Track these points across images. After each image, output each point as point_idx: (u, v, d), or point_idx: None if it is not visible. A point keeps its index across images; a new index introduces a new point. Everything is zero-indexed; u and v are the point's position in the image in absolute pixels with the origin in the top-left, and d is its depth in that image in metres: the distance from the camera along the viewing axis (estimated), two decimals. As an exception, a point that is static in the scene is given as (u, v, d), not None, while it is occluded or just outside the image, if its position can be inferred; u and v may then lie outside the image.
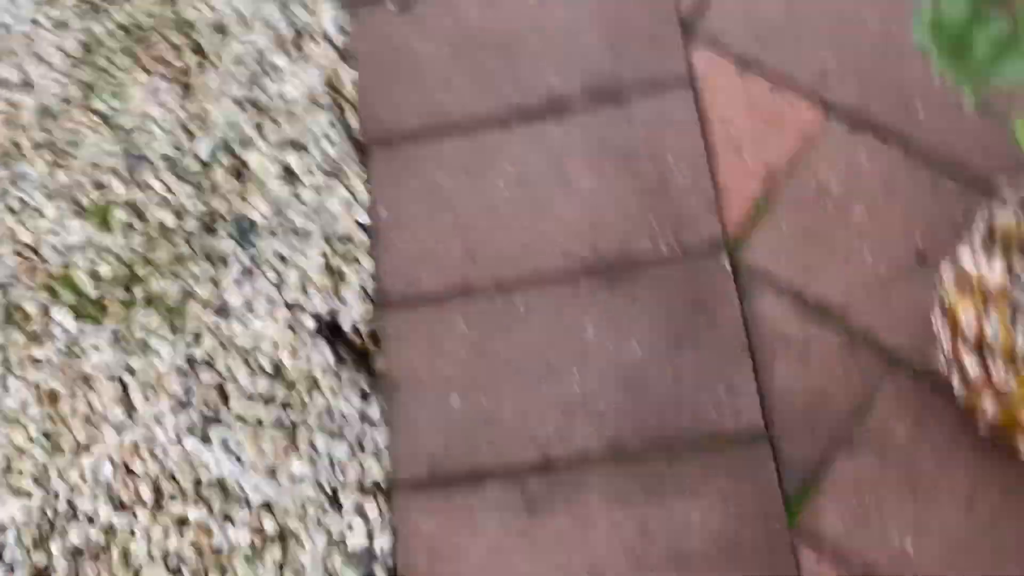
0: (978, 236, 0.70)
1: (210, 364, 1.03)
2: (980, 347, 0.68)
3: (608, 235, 0.95)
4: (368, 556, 0.94)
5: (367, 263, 1.01)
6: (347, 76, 1.08)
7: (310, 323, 1.01)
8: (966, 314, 0.69)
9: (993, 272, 0.65)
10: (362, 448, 0.97)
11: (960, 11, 0.59)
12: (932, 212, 0.89)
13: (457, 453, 0.92)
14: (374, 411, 0.97)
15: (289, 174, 1.08)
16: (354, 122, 1.07)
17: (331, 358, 0.99)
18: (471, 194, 0.99)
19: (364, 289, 1.01)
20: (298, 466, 0.96)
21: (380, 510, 0.95)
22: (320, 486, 0.96)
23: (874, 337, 0.87)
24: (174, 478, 0.98)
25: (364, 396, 0.99)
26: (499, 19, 1.05)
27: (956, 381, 0.76)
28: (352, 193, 1.05)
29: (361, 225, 1.03)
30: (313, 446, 0.97)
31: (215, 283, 1.06)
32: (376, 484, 0.96)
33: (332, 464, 0.97)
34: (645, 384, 0.90)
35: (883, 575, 0.81)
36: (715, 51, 0.99)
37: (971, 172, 0.89)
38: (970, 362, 0.71)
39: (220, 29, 1.17)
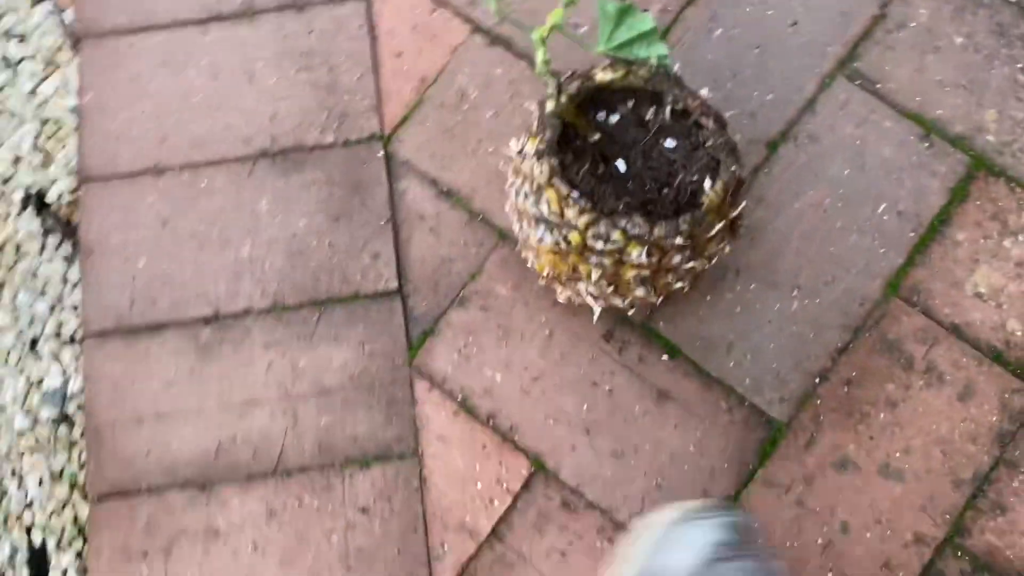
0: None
1: (-73, 231, 1.13)
2: (519, 214, 0.88)
3: (285, 126, 1.11)
4: (62, 395, 1.08)
5: (73, 143, 1.13)
6: (63, -27, 1.18)
7: (19, 195, 1.12)
8: (511, 187, 0.89)
9: (516, 149, 0.85)
10: (62, 305, 1.11)
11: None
12: (547, 117, 1.09)
13: (140, 308, 1.07)
14: (74, 274, 1.11)
15: (7, 63, 1.17)
16: (70, 17, 1.17)
17: (37, 226, 1.12)
18: (168, 85, 1.13)
19: (69, 166, 1.13)
20: (0, 318, 1.09)
21: (74, 357, 1.09)
22: (20, 336, 1.09)
23: (489, 217, 1.07)
24: None
25: (67, 260, 1.12)
26: (201, -70, 1.17)
27: (518, 243, 0.96)
28: (65, 81, 1.16)
29: (70, 109, 1.14)
30: (15, 302, 1.10)
31: (-66, 158, 1.15)
32: (72, 335, 1.10)
33: (32, 318, 1.10)
34: (305, 253, 1.07)
35: (477, 400, 1.01)
36: (386, -28, 1.15)
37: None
38: (516, 225, 0.91)
39: (-53, -79, 1.23)
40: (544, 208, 0.80)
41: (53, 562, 1.04)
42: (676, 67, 0.85)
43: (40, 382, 1.09)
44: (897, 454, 0.96)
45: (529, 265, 0.93)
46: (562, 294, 0.94)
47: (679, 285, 0.91)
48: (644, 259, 0.80)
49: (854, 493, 0.96)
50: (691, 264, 0.83)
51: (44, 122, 1.15)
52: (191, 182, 1.10)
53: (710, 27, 1.10)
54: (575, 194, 0.78)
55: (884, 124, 1.05)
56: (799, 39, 1.08)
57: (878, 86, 1.06)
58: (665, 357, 1.01)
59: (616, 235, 0.78)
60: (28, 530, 1.06)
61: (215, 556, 1.00)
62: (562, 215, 0.79)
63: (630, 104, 0.85)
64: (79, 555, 1.04)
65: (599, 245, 0.79)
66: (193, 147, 1.11)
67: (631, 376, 1.01)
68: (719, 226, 0.80)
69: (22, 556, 1.04)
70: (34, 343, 1.10)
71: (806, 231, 1.03)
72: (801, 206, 1.03)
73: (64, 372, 1.09)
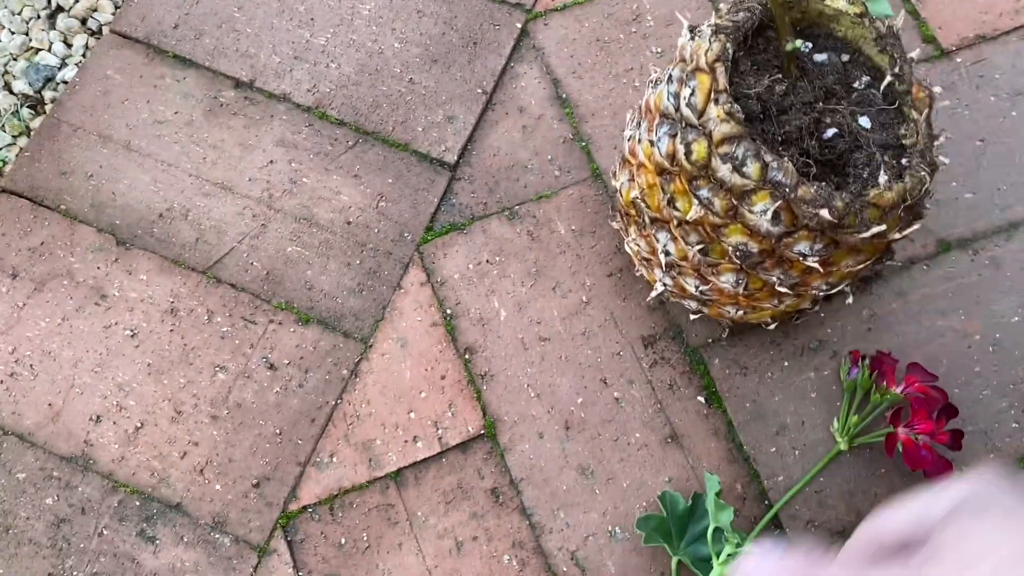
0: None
1: None
2: (644, 110, 0.69)
3: (438, -53, 0.95)
4: (48, 77, 0.91)
5: None
6: None
7: None
8: (652, 79, 0.69)
9: (691, 25, 0.66)
10: (108, -6, 0.95)
11: None
12: None
13: (181, 35, 0.90)
14: (140, -30, 0.95)
15: None
16: None
17: (135, -92, 0.97)
18: None
19: None
20: (41, -28, 0.93)
21: (84, 48, 0.92)
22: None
23: (592, 147, 0.88)
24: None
25: (142, -43, 0.96)
26: None
27: (617, 161, 0.76)
28: None
29: None
30: (65, -38, 0.94)
31: None
32: (98, 28, 0.93)
33: (72, -13, 0.94)
34: (380, 75, 0.90)
35: (465, 325, 0.80)
36: None
37: None
38: (630, 129, 0.71)
39: None
40: (684, 98, 0.60)
41: (-77, 234, 0.85)
42: (914, 53, 0.66)
43: (36, 52, 0.92)
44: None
45: (617, 187, 0.73)
46: (632, 242, 0.73)
47: (768, 308, 0.69)
48: (766, 221, 0.59)
49: None
50: (805, 276, 0.62)
51: None
52: (311, -53, 0.94)
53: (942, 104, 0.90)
54: (730, 98, 0.58)
55: (1086, 293, 0.83)
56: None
57: (1098, 251, 0.85)
58: (700, 399, 0.78)
59: (752, 167, 0.58)
60: (-79, 186, 0.88)
61: (85, 318, 0.80)
62: (702, 113, 0.59)
63: (844, 57, 0.66)
64: (-46, 245, 0.84)
65: (723, 171, 0.59)
66: (335, -83, 0.95)
67: (651, 398, 0.78)
68: (872, 233, 0.58)
69: None
70: (56, 12, 0.94)
71: (934, 354, 0.80)
72: (943, 326, 0.81)
73: (66, 57, 0.92)
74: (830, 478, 0.76)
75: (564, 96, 0.90)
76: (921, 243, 0.84)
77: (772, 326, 0.76)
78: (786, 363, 0.80)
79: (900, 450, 0.71)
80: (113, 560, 0.72)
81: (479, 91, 0.89)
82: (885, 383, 0.73)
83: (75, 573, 0.72)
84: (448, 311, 0.81)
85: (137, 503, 0.74)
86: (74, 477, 0.75)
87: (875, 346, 0.79)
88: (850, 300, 0.72)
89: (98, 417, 0.76)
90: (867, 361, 0.75)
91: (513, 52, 0.91)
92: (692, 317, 0.79)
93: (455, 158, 0.86)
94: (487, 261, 0.83)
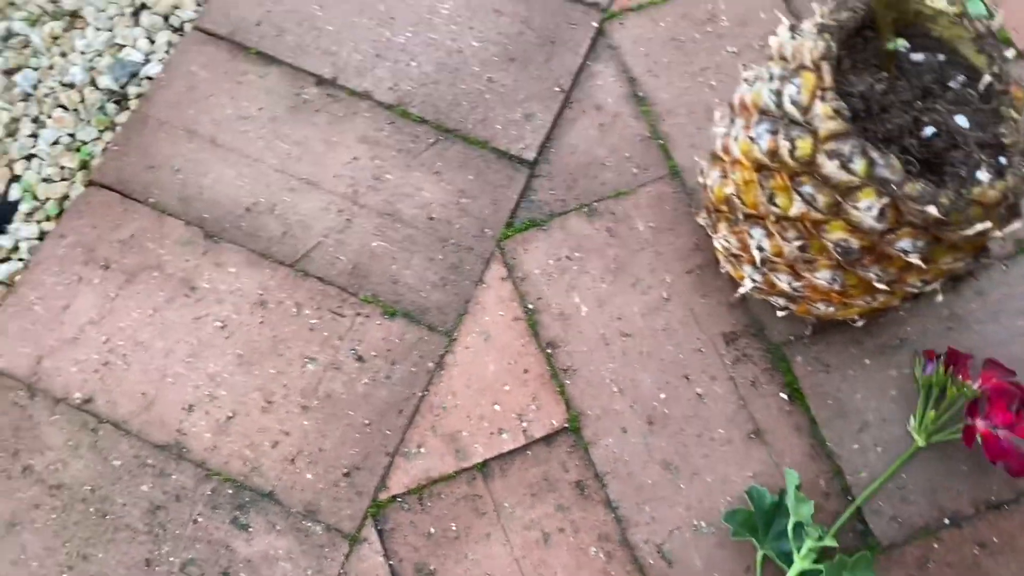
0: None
1: None
2: (738, 108, 0.69)
3: (514, -52, 0.96)
4: (132, 73, 0.93)
5: None
6: None
7: None
8: (749, 75, 0.70)
9: (790, 25, 0.67)
10: (191, -8, 0.97)
11: None
12: None
13: (264, 32, 0.92)
14: (222, -31, 0.96)
15: None
16: None
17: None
18: None
19: None
20: (125, -30, 0.95)
21: (168, 44, 0.94)
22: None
23: (669, 145, 0.88)
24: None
25: (222, -44, 0.98)
26: None
27: (706, 160, 0.77)
28: None
29: None
30: (149, -40, 0.96)
31: None
32: (180, 25, 0.95)
33: (155, -14, 0.96)
34: (460, 73, 0.91)
35: (547, 319, 0.81)
36: None
37: None
38: (721, 126, 0.72)
39: None
40: (788, 95, 0.61)
41: (13, 227, 0.87)
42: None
43: (120, 48, 0.94)
44: (1001, 662, 0.71)
45: (708, 183, 0.74)
46: (721, 239, 0.74)
47: (859, 304, 0.70)
48: (871, 217, 0.60)
49: (925, 675, 0.71)
50: (902, 273, 0.63)
51: None
52: (390, -54, 0.95)
53: None
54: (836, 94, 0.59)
55: None
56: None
57: None
58: (783, 396, 0.79)
59: (859, 164, 0.58)
60: (12, 180, 0.90)
61: (176, 309, 0.81)
62: (807, 110, 0.60)
63: (939, 57, 0.66)
64: (41, 238, 0.86)
65: (829, 167, 0.60)
66: (412, -83, 0.97)
67: (733, 394, 0.79)
68: (978, 231, 0.59)
69: (-12, 194, 0.88)
70: (140, 9, 0.96)
71: (1014, 354, 0.80)
72: (1023, 325, 0.82)
73: (149, 53, 0.94)
74: (912, 474, 0.76)
75: (641, 95, 0.91)
76: (1000, 243, 0.84)
77: (859, 323, 0.76)
78: (867, 361, 0.80)
79: (979, 442, 0.72)
80: (208, 547, 0.74)
81: (556, 89, 0.90)
82: (961, 378, 0.73)
83: (171, 559, 0.73)
84: (529, 306, 0.82)
85: (230, 491, 0.75)
86: (168, 465, 0.76)
87: (956, 345, 0.80)
88: (940, 298, 0.73)
89: (190, 406, 0.78)
90: (942, 358, 0.75)
91: (590, 51, 0.92)
92: (779, 314, 0.79)
93: (534, 155, 0.88)
94: (567, 257, 0.84)
